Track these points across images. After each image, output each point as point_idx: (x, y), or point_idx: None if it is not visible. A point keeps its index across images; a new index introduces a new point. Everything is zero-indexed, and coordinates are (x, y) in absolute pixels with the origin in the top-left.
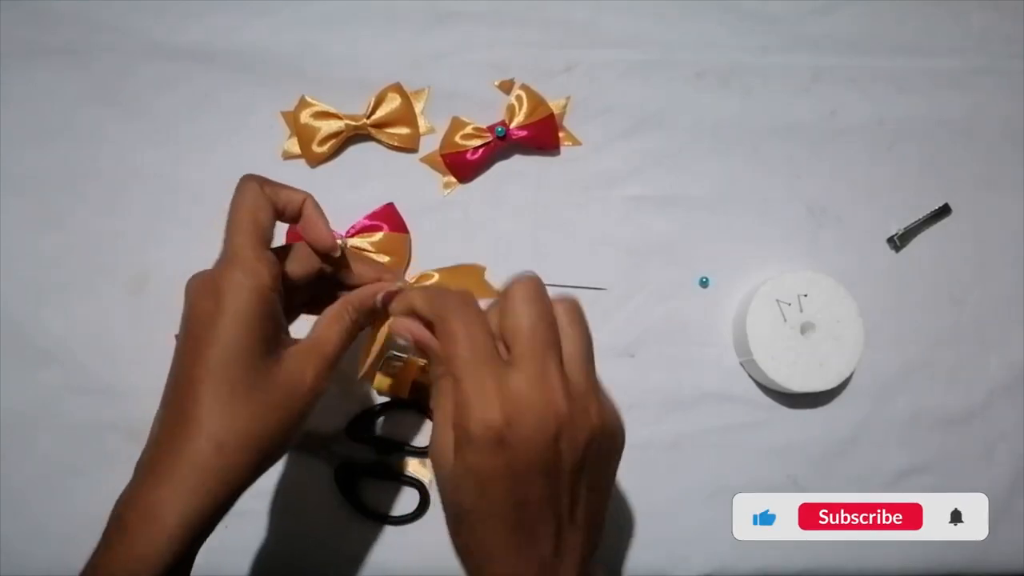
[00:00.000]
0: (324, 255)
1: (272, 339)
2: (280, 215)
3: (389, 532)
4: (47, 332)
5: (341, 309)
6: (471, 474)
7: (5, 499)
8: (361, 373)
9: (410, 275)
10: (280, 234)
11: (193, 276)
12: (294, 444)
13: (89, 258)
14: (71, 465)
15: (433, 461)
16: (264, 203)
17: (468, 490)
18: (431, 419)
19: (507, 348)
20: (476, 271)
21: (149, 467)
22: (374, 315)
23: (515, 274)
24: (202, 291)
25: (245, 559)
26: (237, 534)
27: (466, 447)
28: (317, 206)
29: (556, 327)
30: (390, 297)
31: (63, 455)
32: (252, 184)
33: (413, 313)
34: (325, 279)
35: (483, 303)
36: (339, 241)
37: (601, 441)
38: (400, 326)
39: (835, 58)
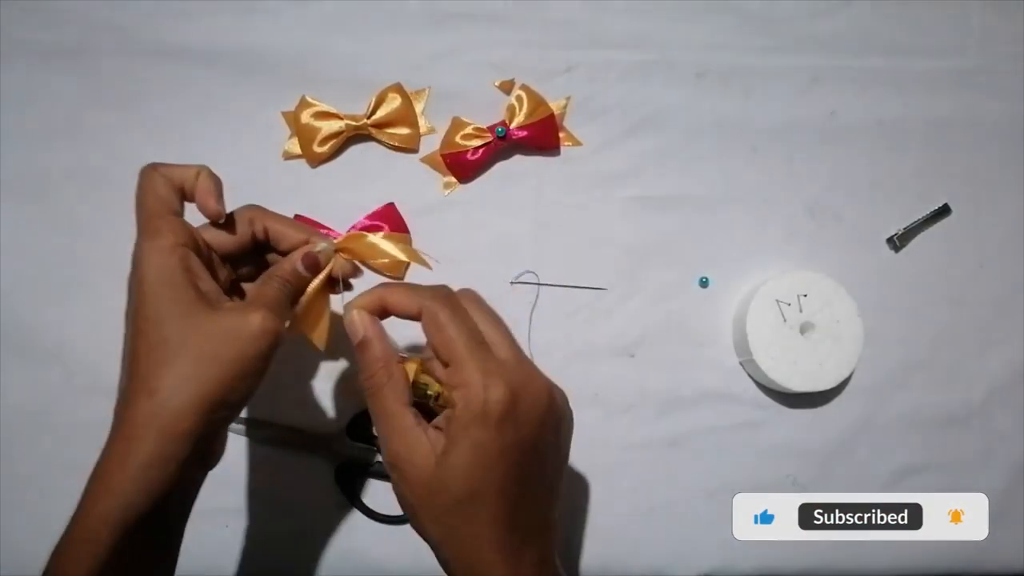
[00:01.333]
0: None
1: (197, 290)
2: (183, 193)
3: (389, 532)
4: (48, 331)
5: (267, 277)
6: (479, 454)
7: (5, 499)
8: (289, 323)
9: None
10: None
11: None
12: (252, 392)
13: (89, 258)
14: (72, 465)
15: (406, 462)
16: (158, 180)
17: (470, 475)
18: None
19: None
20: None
21: (108, 439)
22: (305, 279)
23: (430, 291)
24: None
25: (245, 559)
26: (237, 534)
27: (476, 428)
28: (210, 176)
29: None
30: (310, 260)
31: (64, 454)
32: (146, 169)
33: (382, 310)
34: (266, 248)
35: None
36: (323, 245)
37: (565, 411)
38: (355, 321)
39: (835, 58)
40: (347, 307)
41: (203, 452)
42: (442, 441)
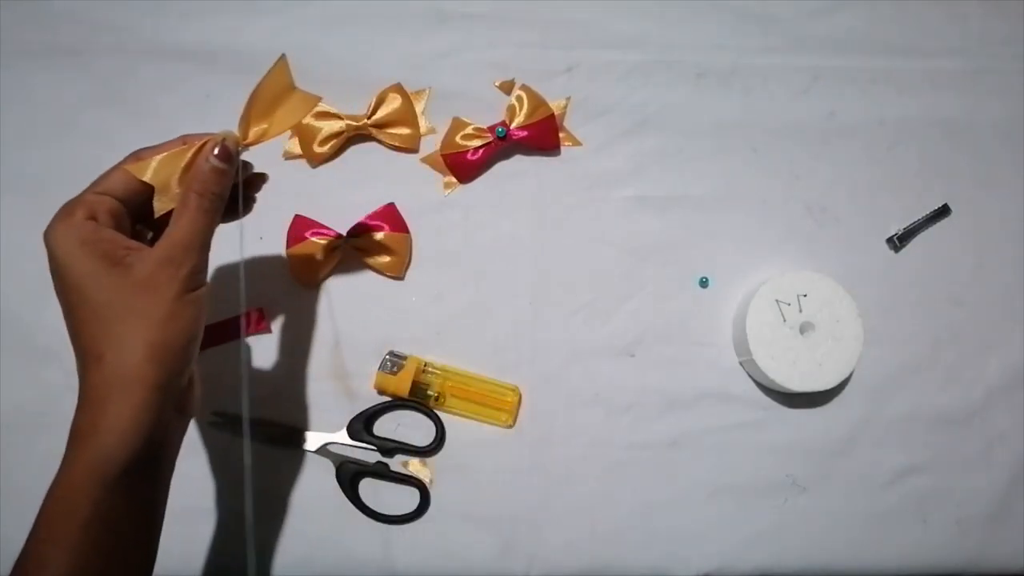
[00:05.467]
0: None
1: (107, 252)
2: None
3: (389, 532)
4: (48, 331)
5: (178, 206)
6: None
7: (5, 499)
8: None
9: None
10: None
11: None
12: (198, 327)
13: None
14: None
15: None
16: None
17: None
18: None
19: None
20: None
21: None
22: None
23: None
24: None
25: (245, 559)
26: (237, 533)
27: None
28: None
29: None
30: (224, 151)
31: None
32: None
33: None
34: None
35: None
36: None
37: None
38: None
39: (835, 58)
40: None
41: (174, 400)
42: None
